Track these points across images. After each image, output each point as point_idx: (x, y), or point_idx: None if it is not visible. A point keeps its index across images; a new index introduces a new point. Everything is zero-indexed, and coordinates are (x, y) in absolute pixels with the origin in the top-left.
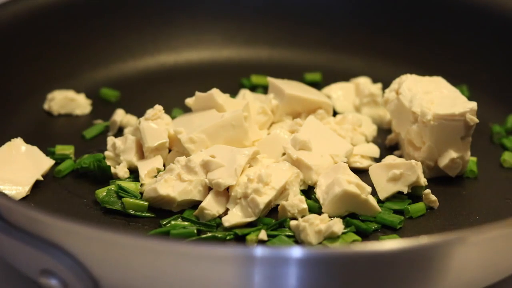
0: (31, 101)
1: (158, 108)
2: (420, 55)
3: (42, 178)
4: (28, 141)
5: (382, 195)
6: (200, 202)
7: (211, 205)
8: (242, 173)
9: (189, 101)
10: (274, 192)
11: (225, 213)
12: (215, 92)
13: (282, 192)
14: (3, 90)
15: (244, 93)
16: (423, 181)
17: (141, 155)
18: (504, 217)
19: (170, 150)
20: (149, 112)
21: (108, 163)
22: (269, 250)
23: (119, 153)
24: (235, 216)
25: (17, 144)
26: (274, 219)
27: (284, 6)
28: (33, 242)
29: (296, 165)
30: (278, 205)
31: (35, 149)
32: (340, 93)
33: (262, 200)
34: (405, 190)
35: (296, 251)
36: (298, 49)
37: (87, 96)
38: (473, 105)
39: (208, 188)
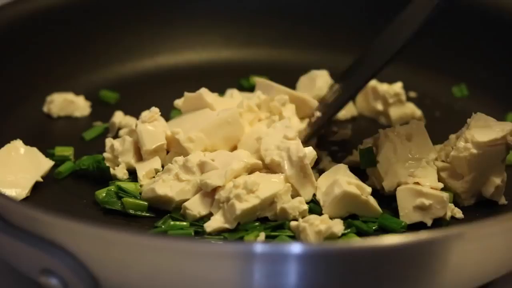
0: (30, 104)
1: (155, 110)
2: (420, 55)
3: (41, 180)
4: (27, 143)
5: (404, 220)
6: None
7: (194, 206)
8: (236, 180)
9: (178, 102)
10: (257, 201)
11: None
12: (203, 91)
13: (271, 204)
14: (2, 92)
15: (232, 92)
16: (448, 216)
17: (139, 156)
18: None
19: (168, 152)
20: (146, 115)
21: (107, 164)
22: (269, 246)
23: (118, 154)
24: (216, 221)
25: (17, 146)
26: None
27: (284, 6)
28: (33, 242)
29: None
30: (266, 217)
31: (34, 151)
32: None
33: (240, 206)
34: (429, 223)
35: (296, 247)
36: (298, 49)
37: (86, 98)
38: (511, 125)
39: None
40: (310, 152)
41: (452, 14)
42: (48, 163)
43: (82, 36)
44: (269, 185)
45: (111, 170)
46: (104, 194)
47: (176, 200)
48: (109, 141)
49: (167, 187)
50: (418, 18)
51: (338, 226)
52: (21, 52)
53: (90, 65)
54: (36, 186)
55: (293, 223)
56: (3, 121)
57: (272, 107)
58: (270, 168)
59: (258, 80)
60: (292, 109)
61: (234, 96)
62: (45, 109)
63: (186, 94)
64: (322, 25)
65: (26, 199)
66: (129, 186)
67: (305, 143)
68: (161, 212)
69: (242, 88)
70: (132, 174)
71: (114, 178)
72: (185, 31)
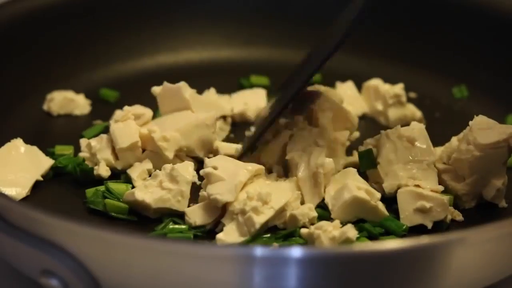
0: (30, 102)
1: (127, 109)
2: (420, 55)
3: (42, 179)
4: (27, 142)
5: (405, 222)
6: (179, 211)
7: (193, 214)
8: (243, 189)
9: (155, 89)
10: (272, 212)
11: (215, 225)
12: (183, 85)
13: (281, 212)
14: (2, 90)
15: (210, 92)
16: (449, 219)
17: (116, 154)
18: (504, 217)
19: (144, 150)
20: (119, 114)
21: (88, 164)
22: (269, 250)
23: (95, 152)
24: (230, 235)
25: (17, 145)
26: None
27: (283, 6)
28: (33, 242)
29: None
30: (275, 225)
31: (34, 149)
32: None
33: (259, 220)
34: (429, 226)
35: (296, 251)
36: (298, 49)
37: (86, 96)
38: None
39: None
40: (329, 163)
41: (453, 15)
42: (48, 162)
43: (83, 34)
44: (280, 194)
45: (94, 170)
46: (92, 194)
47: (153, 207)
48: (84, 141)
49: (148, 193)
50: (344, 24)
51: (352, 231)
52: (21, 50)
53: (90, 64)
54: (36, 185)
55: (304, 231)
56: (3, 119)
57: (309, 110)
58: (288, 166)
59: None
60: (329, 117)
61: (211, 96)
62: (45, 107)
63: (165, 84)
64: (322, 25)
65: (26, 198)
66: (120, 187)
67: (241, 159)
68: (143, 216)
69: (242, 87)
70: (124, 174)
71: (97, 177)
72: (185, 30)
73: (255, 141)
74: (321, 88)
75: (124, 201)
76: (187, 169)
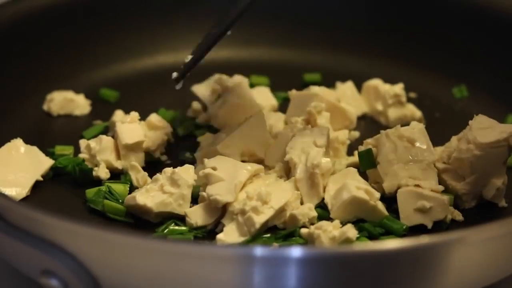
0: (30, 102)
1: (134, 114)
2: (420, 55)
3: (42, 179)
4: (27, 142)
5: (405, 222)
6: (180, 215)
7: (194, 215)
8: (242, 189)
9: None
10: (272, 212)
11: (215, 225)
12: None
13: (280, 212)
14: (2, 90)
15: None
16: (449, 218)
17: (118, 154)
18: (504, 217)
19: (146, 153)
20: (125, 117)
21: (88, 165)
22: (269, 249)
23: (95, 153)
24: (230, 235)
25: (17, 145)
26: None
27: (283, 6)
28: (33, 242)
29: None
30: (274, 225)
31: (34, 149)
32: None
33: (259, 220)
34: (429, 225)
35: (296, 251)
36: (298, 49)
37: (86, 96)
38: None
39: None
40: (325, 163)
41: (453, 15)
42: (48, 162)
43: (83, 34)
44: (280, 194)
45: (94, 171)
46: (93, 193)
47: (155, 212)
48: (83, 142)
49: (149, 197)
50: None
51: (352, 231)
52: (21, 50)
53: (90, 64)
54: (36, 185)
55: (304, 231)
56: (3, 119)
57: (307, 113)
58: (288, 166)
59: (293, 94)
60: (327, 117)
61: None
62: (45, 107)
63: None
64: (322, 25)
65: (26, 198)
66: (118, 187)
67: (176, 84)
68: (141, 219)
69: None
70: (124, 174)
71: (96, 179)
72: (185, 30)
73: (188, 69)
74: (316, 88)
75: (125, 206)
76: (187, 172)
